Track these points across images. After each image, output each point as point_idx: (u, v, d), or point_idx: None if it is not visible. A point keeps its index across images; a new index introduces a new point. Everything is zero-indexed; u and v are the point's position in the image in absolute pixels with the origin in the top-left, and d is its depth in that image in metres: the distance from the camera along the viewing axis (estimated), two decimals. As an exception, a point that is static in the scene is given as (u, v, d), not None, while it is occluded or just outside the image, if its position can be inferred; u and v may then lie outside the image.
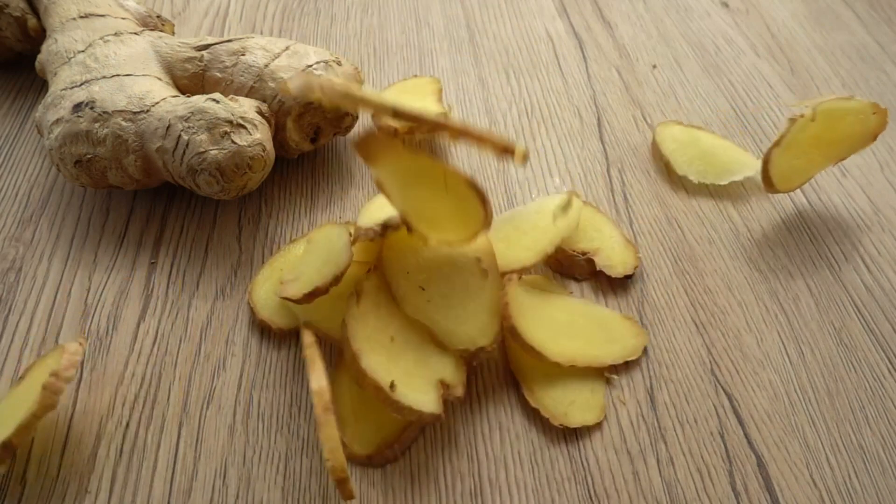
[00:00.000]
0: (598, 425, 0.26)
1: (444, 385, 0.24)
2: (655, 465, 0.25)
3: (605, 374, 0.27)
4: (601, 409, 0.26)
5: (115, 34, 0.32)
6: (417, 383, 0.24)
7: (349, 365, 0.24)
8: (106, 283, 0.30)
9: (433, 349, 0.25)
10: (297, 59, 0.31)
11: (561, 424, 0.25)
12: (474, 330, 0.25)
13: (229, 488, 0.24)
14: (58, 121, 0.29)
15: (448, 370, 0.25)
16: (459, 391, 0.24)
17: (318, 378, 0.21)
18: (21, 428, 0.22)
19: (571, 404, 0.26)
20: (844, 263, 0.32)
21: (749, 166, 0.35)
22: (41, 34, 0.36)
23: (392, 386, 0.23)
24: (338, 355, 0.27)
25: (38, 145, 0.35)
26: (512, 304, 0.26)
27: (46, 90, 0.37)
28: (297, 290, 0.26)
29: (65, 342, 0.25)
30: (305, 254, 0.29)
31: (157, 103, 0.29)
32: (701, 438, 0.26)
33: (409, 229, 0.26)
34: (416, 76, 0.39)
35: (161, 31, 0.36)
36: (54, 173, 0.34)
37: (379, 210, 0.29)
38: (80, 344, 0.25)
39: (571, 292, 0.30)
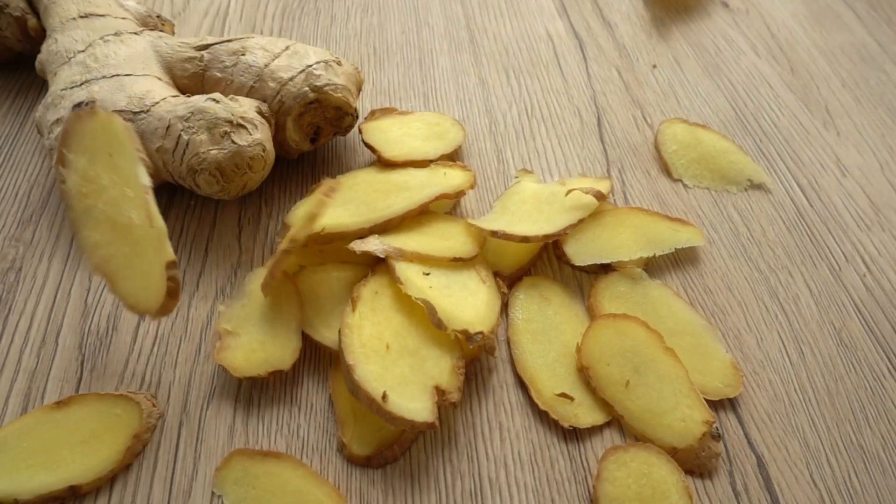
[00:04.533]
0: (600, 426, 0.26)
1: (439, 391, 0.24)
2: (655, 465, 0.25)
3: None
4: (610, 409, 0.26)
5: (115, 34, 0.32)
6: (412, 391, 0.24)
7: (344, 376, 0.24)
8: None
9: (429, 353, 0.25)
10: (297, 59, 0.31)
11: (571, 426, 0.25)
12: (472, 317, 0.26)
13: (229, 488, 0.24)
14: (58, 121, 0.29)
15: (444, 375, 0.24)
16: (455, 396, 0.24)
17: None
18: (97, 480, 0.23)
19: (580, 405, 0.26)
20: (844, 263, 0.32)
21: (747, 172, 0.35)
22: (41, 34, 0.36)
23: (384, 397, 0.23)
24: (336, 357, 0.27)
25: (38, 145, 0.35)
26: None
27: (46, 90, 0.37)
28: (238, 356, 0.26)
29: (134, 392, 0.25)
30: (246, 303, 0.28)
31: (157, 103, 0.29)
32: (701, 438, 0.26)
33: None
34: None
35: (161, 30, 0.36)
36: (54, 173, 0.34)
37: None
38: (154, 405, 0.25)
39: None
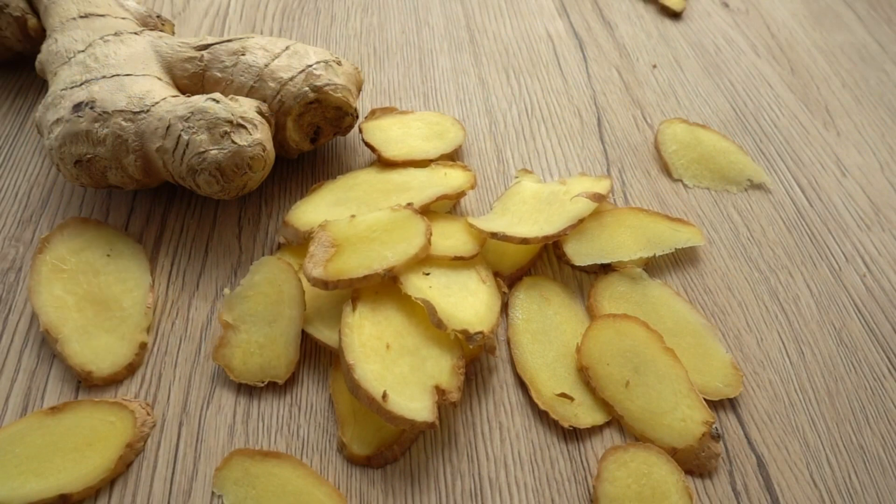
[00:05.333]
0: (600, 426, 0.26)
1: (439, 390, 0.24)
2: (655, 465, 0.25)
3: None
4: (610, 409, 0.26)
5: (115, 34, 0.32)
6: (412, 390, 0.24)
7: (344, 375, 0.24)
8: (106, 283, 0.30)
9: (429, 353, 0.25)
10: (297, 59, 0.31)
11: (571, 426, 0.25)
12: (472, 317, 0.25)
13: (229, 488, 0.24)
14: (58, 121, 0.29)
15: (444, 375, 0.24)
16: (455, 396, 0.24)
17: None
18: (88, 489, 0.23)
19: (580, 405, 0.26)
20: (844, 263, 0.32)
21: (747, 172, 0.35)
22: (41, 34, 0.36)
23: (384, 396, 0.23)
24: (336, 356, 0.27)
25: (38, 145, 0.35)
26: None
27: (46, 90, 0.37)
28: (236, 356, 0.26)
29: (130, 399, 0.25)
30: (250, 294, 0.28)
31: (157, 103, 0.29)
32: (701, 438, 0.26)
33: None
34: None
35: (161, 30, 0.36)
36: (54, 173, 0.34)
37: (313, 210, 0.30)
38: (149, 413, 0.25)
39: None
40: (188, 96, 0.29)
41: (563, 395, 0.26)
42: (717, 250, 0.32)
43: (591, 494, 0.24)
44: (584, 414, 0.26)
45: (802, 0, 0.48)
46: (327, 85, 0.31)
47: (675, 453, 0.24)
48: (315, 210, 0.30)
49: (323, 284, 0.26)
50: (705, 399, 0.26)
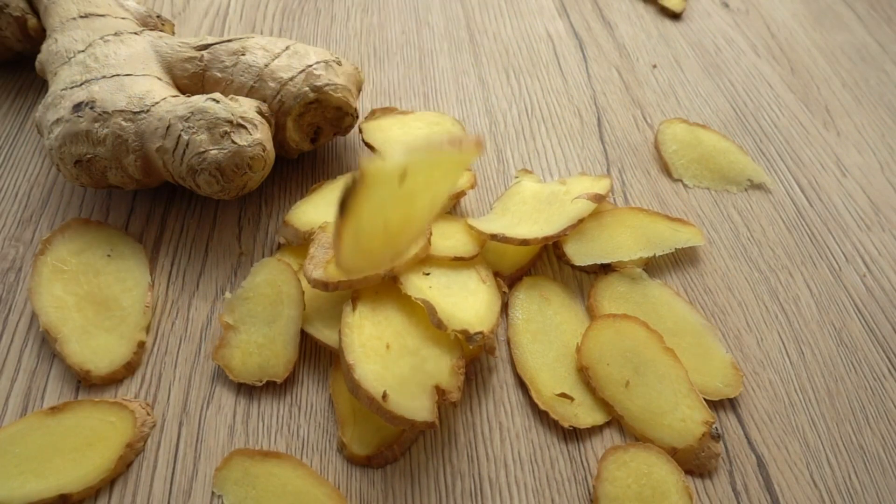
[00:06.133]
0: (600, 426, 0.26)
1: (439, 390, 0.24)
2: (655, 465, 0.25)
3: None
4: (610, 409, 0.26)
5: (115, 34, 0.32)
6: (412, 390, 0.24)
7: (344, 375, 0.24)
8: (106, 283, 0.30)
9: (429, 353, 0.25)
10: (297, 59, 0.31)
11: (571, 426, 0.25)
12: (472, 317, 0.26)
13: (229, 488, 0.24)
14: (58, 121, 0.29)
15: (444, 375, 0.24)
16: (455, 396, 0.24)
17: None
18: (88, 489, 0.23)
19: (580, 405, 0.26)
20: (844, 263, 0.32)
21: (747, 172, 0.35)
22: (41, 34, 0.36)
23: (384, 396, 0.23)
24: (336, 356, 0.27)
25: (38, 145, 0.35)
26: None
27: (46, 90, 0.37)
28: (235, 356, 0.26)
29: (130, 399, 0.25)
30: (251, 296, 0.28)
31: (157, 103, 0.29)
32: (701, 438, 0.26)
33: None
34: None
35: (161, 30, 0.36)
36: (54, 173, 0.34)
37: (313, 210, 0.30)
38: (149, 413, 0.25)
39: None
40: (188, 96, 0.29)
41: (563, 395, 0.26)
42: (717, 250, 0.32)
43: (591, 494, 0.24)
44: (584, 414, 0.26)
45: (802, 0, 0.48)
46: (327, 85, 0.31)
47: (675, 453, 0.24)
48: (315, 210, 0.30)
49: (323, 286, 0.26)
50: (705, 399, 0.26)
